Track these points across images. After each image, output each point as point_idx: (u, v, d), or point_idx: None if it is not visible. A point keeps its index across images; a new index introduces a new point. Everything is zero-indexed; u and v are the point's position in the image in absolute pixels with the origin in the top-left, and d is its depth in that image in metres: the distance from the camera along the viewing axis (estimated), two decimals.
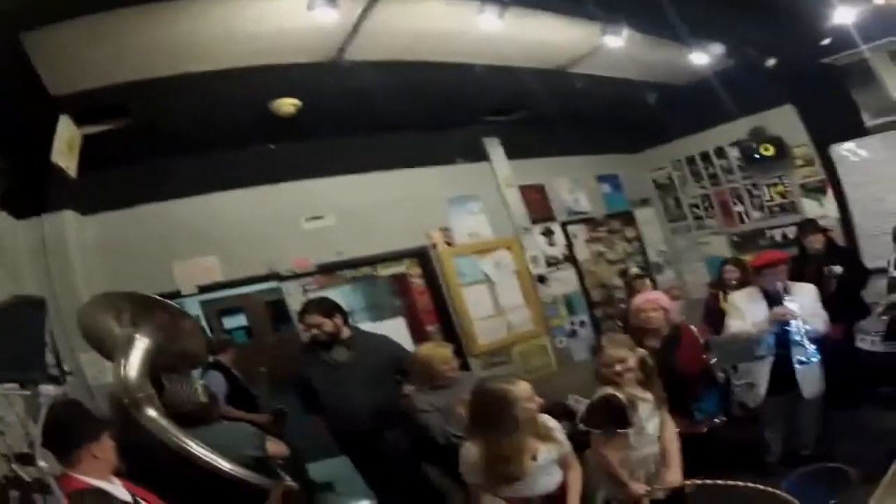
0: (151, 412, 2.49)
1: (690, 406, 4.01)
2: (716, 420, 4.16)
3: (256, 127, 4.60)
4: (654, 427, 3.32)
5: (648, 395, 3.31)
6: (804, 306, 4.11)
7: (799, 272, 4.73)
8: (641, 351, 3.43)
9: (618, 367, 3.27)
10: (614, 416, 3.18)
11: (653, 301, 4.26)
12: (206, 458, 2.47)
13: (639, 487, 3.20)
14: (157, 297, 2.78)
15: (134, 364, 2.54)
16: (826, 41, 4.99)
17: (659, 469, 3.32)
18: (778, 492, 2.87)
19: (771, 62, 5.41)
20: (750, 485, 2.95)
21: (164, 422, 2.50)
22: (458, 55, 4.41)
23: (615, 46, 4.45)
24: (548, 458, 2.96)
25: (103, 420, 2.46)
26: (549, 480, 2.98)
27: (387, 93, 4.40)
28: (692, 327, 4.49)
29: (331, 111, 4.66)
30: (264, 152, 5.04)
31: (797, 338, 4.08)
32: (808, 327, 4.05)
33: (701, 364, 4.22)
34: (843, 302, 4.78)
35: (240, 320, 9.28)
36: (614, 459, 3.20)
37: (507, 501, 2.90)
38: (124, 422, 2.48)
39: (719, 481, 3.08)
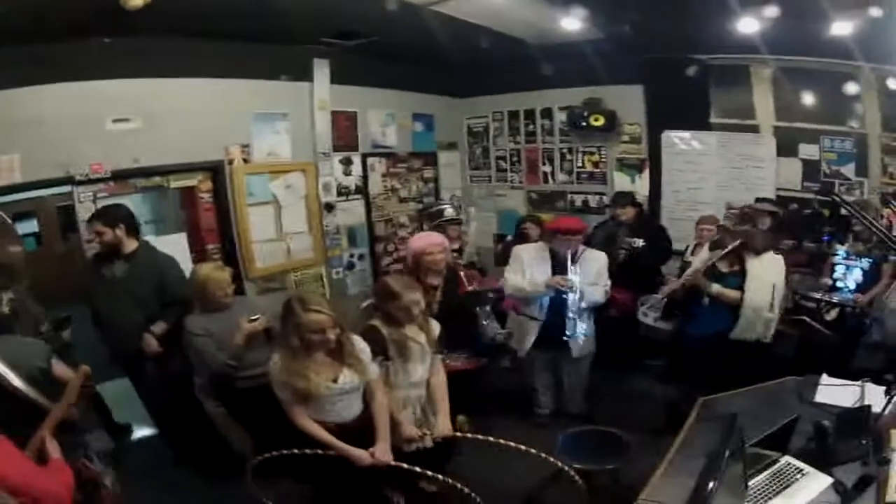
0: None
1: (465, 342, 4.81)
2: (483, 359, 5.00)
3: (97, 18, 4.66)
4: (422, 371, 3.87)
5: (422, 338, 3.84)
6: (588, 272, 5.05)
7: (604, 238, 6.19)
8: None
9: (415, 310, 3.78)
10: (376, 349, 3.67)
11: (438, 244, 4.90)
12: None
13: (409, 430, 3.72)
14: None
15: None
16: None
17: (427, 414, 3.90)
18: (549, 458, 3.35)
19: (641, 43, 6.33)
20: (523, 447, 3.31)
21: None
22: None
23: None
24: (349, 383, 3.43)
25: None
26: (345, 408, 3.47)
27: None
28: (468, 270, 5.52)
29: (170, 9, 4.71)
30: (87, 48, 5.14)
31: (570, 313, 5.03)
32: (583, 303, 5.01)
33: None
34: (640, 274, 6.08)
35: (32, 226, 9.07)
36: (388, 396, 3.69)
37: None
38: None
39: (490, 438, 3.49)
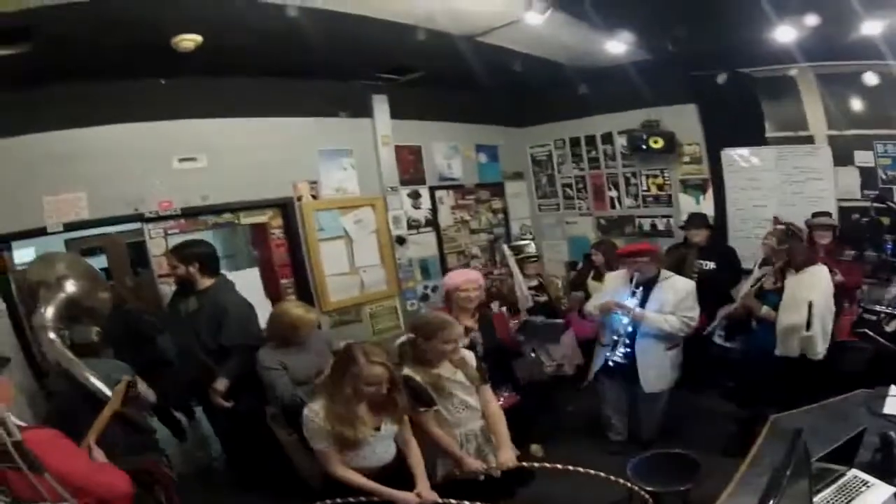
0: (52, 336, 3.87)
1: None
2: (506, 394, 4.84)
3: (149, 59, 4.97)
4: (472, 404, 3.84)
5: (459, 375, 3.82)
6: (664, 300, 4.99)
7: (674, 261, 6.04)
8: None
9: (450, 347, 3.78)
10: (415, 396, 3.65)
11: (473, 281, 4.92)
12: (88, 379, 3.66)
13: (473, 463, 3.68)
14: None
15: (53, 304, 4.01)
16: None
17: (485, 446, 3.86)
18: (619, 479, 3.36)
19: (687, 61, 6.37)
20: (591, 472, 3.33)
21: (59, 344, 3.85)
22: (369, 8, 4.81)
23: (534, 23, 5.06)
24: (389, 430, 3.44)
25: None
26: (384, 452, 3.46)
27: (288, 37, 4.87)
28: (502, 312, 5.38)
29: (227, 50, 5.03)
30: (149, 87, 5.50)
31: (614, 336, 5.08)
32: (630, 327, 5.01)
33: (512, 342, 5.20)
34: (713, 295, 5.82)
35: (101, 261, 9.63)
36: (440, 435, 3.70)
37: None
38: None
39: (558, 465, 3.49)
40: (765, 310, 4.85)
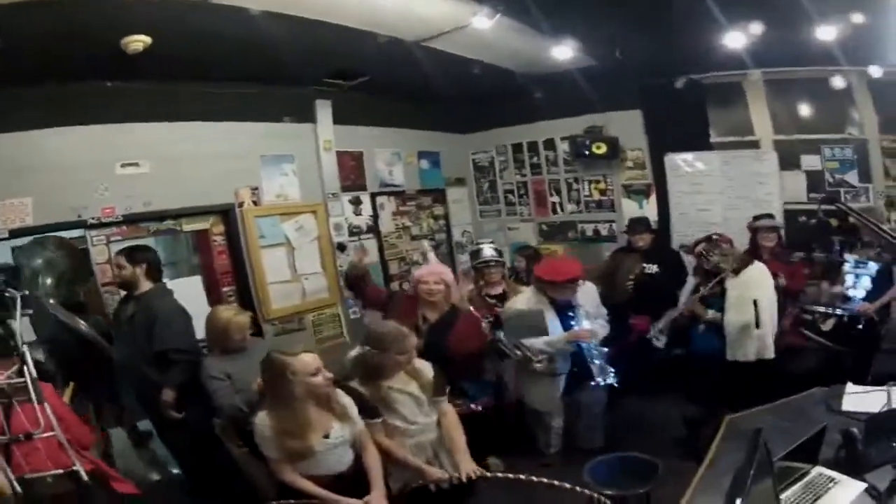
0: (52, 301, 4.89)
1: (455, 387, 4.46)
2: (478, 406, 4.72)
3: (97, 62, 4.96)
4: (423, 418, 3.84)
5: (412, 386, 3.82)
6: (588, 309, 5.05)
7: (617, 266, 6.36)
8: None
9: (414, 355, 3.85)
10: (361, 407, 3.64)
11: (437, 274, 4.90)
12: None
13: (436, 472, 3.69)
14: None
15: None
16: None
17: (442, 456, 3.86)
18: (577, 488, 3.30)
19: (633, 67, 6.55)
20: (556, 482, 3.29)
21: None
22: (316, 12, 4.83)
23: (481, 28, 5.14)
24: (340, 437, 3.43)
25: None
26: (339, 460, 3.47)
27: (234, 41, 4.95)
28: (474, 312, 5.21)
29: (173, 54, 5.05)
30: (95, 91, 5.48)
31: (594, 360, 5.01)
32: (604, 348, 5.01)
33: (473, 348, 4.87)
34: (657, 299, 5.98)
35: None
36: (392, 447, 3.70)
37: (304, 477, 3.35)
38: None
39: (521, 476, 3.45)
40: (710, 313, 5.03)
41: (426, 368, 3.97)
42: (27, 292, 3.19)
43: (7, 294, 3.05)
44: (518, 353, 4.96)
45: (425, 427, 3.86)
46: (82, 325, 4.84)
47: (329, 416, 3.45)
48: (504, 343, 5.06)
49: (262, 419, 3.40)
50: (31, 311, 3.18)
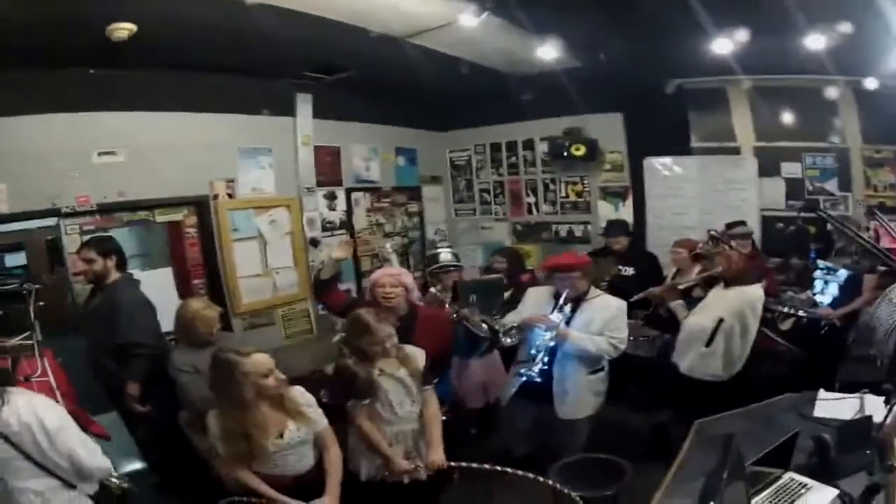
0: None
1: None
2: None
3: (81, 50, 4.97)
4: (410, 405, 3.81)
5: (402, 372, 3.79)
6: (592, 320, 4.64)
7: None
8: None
9: (388, 345, 3.73)
10: (351, 387, 3.67)
11: (394, 276, 4.58)
12: None
13: (401, 462, 3.68)
14: None
15: None
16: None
17: (420, 448, 3.83)
18: (548, 481, 3.39)
19: (616, 70, 6.50)
20: (519, 472, 3.37)
21: None
22: (302, 4, 4.82)
23: (468, 25, 5.13)
24: (297, 437, 3.39)
25: None
26: (297, 461, 3.43)
27: (221, 30, 4.96)
28: (434, 311, 4.94)
29: (159, 42, 4.99)
30: (74, 78, 5.45)
31: (532, 351, 4.64)
32: (551, 343, 4.54)
33: (434, 351, 4.32)
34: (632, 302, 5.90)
35: (20, 258, 9.19)
36: (369, 431, 3.68)
37: (260, 478, 3.32)
38: None
39: (486, 465, 3.52)
40: (684, 314, 4.95)
41: (417, 355, 3.94)
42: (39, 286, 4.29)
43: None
44: (485, 326, 4.77)
45: (409, 415, 3.84)
46: None
47: (283, 415, 3.41)
48: (469, 318, 4.82)
49: (212, 417, 3.39)
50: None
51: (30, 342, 3.98)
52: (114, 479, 3.45)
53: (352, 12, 5.12)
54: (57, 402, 3.50)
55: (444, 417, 4.26)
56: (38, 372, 3.92)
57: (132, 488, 3.56)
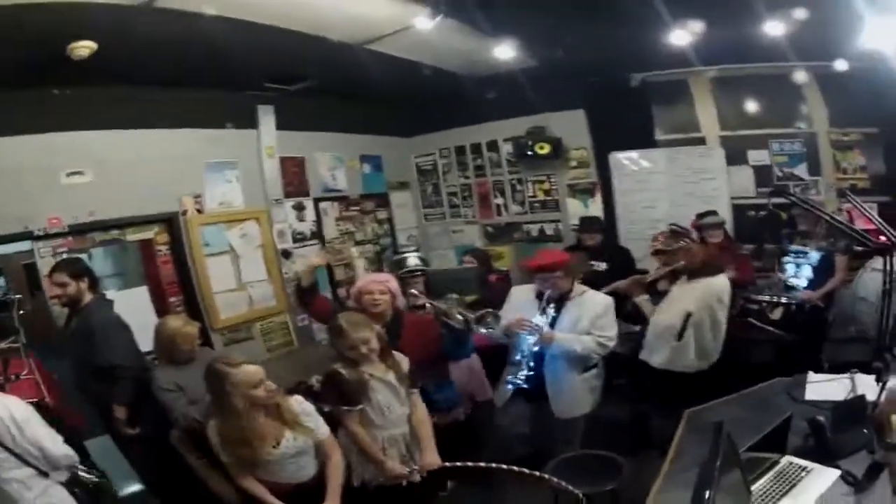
0: None
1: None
2: (460, 415, 4.67)
3: (40, 69, 4.93)
4: (399, 409, 3.82)
5: (390, 376, 3.80)
6: (578, 318, 4.57)
7: None
8: (378, 328, 3.90)
9: (363, 349, 3.69)
10: (342, 393, 3.69)
11: (381, 283, 4.61)
12: None
13: (395, 466, 3.69)
14: None
15: None
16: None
17: (413, 451, 3.84)
18: (546, 475, 3.42)
19: (576, 67, 6.66)
20: (515, 469, 3.39)
21: None
22: (259, 15, 4.84)
23: (424, 29, 5.20)
24: (293, 446, 3.43)
25: None
26: (298, 470, 3.50)
27: (180, 44, 5.00)
28: (418, 315, 4.89)
29: (117, 60, 5.01)
30: (41, 98, 5.48)
31: (517, 356, 4.65)
32: (535, 348, 4.56)
33: (424, 356, 4.33)
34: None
35: None
36: (361, 436, 3.70)
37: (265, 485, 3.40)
38: None
39: (481, 464, 3.52)
40: (650, 309, 4.99)
41: (402, 359, 3.97)
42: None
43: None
44: (460, 317, 4.48)
45: (399, 419, 3.86)
46: None
47: (279, 424, 3.46)
48: (445, 312, 4.58)
49: (211, 427, 3.46)
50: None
51: (17, 345, 4.67)
52: (82, 473, 3.63)
53: (309, 21, 5.18)
54: (44, 397, 4.14)
55: (463, 417, 4.58)
56: (26, 371, 4.53)
57: (104, 482, 3.79)
